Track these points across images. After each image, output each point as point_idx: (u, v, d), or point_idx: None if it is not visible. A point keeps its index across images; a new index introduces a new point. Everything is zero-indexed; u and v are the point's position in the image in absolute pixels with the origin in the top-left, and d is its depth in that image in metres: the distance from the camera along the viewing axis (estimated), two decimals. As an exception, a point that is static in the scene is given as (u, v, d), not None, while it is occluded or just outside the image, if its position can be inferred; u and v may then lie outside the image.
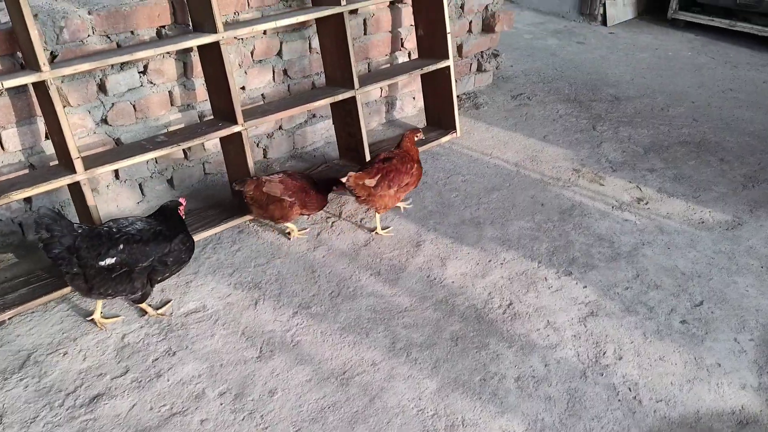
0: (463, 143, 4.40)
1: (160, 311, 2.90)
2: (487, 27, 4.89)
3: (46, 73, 2.73)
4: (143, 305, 2.86)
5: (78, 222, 2.78)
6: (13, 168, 3.17)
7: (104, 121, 3.39)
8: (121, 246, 2.64)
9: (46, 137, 3.18)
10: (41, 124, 3.16)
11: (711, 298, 3.00)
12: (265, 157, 4.15)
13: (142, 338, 2.78)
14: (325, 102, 3.69)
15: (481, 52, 5.04)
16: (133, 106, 3.45)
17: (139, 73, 3.41)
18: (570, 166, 4.10)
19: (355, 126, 3.85)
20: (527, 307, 2.96)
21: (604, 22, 6.86)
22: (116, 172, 3.53)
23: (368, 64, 4.38)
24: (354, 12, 4.11)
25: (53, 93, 2.77)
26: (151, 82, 3.47)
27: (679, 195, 3.79)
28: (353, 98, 3.77)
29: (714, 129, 4.59)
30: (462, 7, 4.68)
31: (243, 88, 3.84)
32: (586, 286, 3.08)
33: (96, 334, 2.78)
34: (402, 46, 4.50)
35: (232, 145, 3.47)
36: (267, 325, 2.85)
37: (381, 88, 4.47)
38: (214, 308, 2.96)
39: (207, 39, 3.15)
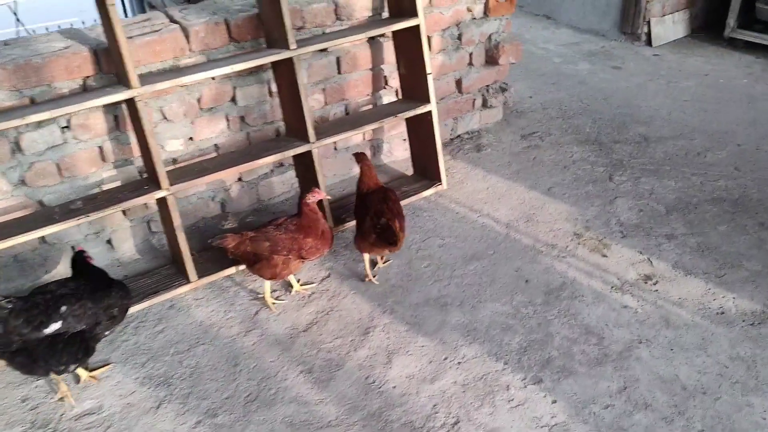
0: (453, 195, 3.84)
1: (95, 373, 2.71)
2: (491, 59, 4.29)
3: None
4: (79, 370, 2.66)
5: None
6: None
7: (23, 182, 3.06)
8: (64, 308, 2.43)
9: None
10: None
11: (714, 427, 2.33)
12: (223, 211, 3.73)
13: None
14: (273, 159, 3.23)
15: (486, 86, 4.44)
16: (57, 165, 3.11)
17: (62, 128, 3.05)
18: (571, 229, 3.46)
19: (315, 181, 3.37)
20: (476, 429, 2.39)
21: (648, 42, 6.07)
22: (42, 237, 3.19)
23: (345, 106, 3.88)
24: (323, 51, 3.63)
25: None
26: (76, 138, 3.11)
27: (698, 272, 3.09)
28: (309, 152, 3.30)
29: (759, 182, 3.81)
30: (459, 37, 4.12)
31: (191, 138, 3.43)
32: (555, 401, 2.47)
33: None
34: (386, 84, 3.98)
35: (162, 208, 3.07)
36: (159, 439, 2.42)
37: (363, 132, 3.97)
38: (110, 410, 2.55)
39: (121, 95, 2.76)
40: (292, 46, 3.06)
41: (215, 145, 3.52)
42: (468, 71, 4.28)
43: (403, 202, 3.64)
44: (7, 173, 3.00)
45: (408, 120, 3.85)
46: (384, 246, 3.00)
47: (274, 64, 3.30)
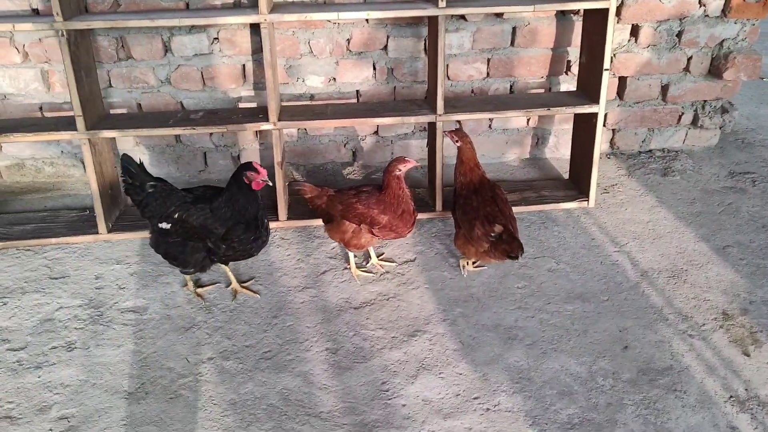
0: (599, 217, 3.23)
1: (205, 289, 2.77)
2: (715, 70, 3.44)
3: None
4: (188, 280, 2.74)
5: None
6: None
7: (168, 81, 3.23)
8: (177, 215, 2.50)
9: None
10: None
11: None
12: (354, 159, 3.59)
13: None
14: (388, 121, 2.96)
15: (702, 101, 3.60)
16: (201, 72, 3.21)
17: (212, 39, 3.13)
18: (722, 306, 2.69)
19: (432, 158, 3.05)
20: (459, 494, 2.01)
21: None
22: (177, 137, 3.37)
23: (511, 84, 3.43)
24: (499, 16, 3.20)
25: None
26: (222, 52, 3.17)
27: None
28: (433, 125, 2.97)
29: None
30: (679, 35, 3.35)
31: (334, 79, 3.31)
32: (571, 507, 1.98)
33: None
34: (568, 70, 3.42)
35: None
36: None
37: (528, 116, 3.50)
38: (150, 315, 2.64)
39: (247, 18, 2.70)
40: (441, 3, 2.71)
41: (357, 91, 3.36)
42: (680, 78, 3.50)
43: (536, 208, 3.18)
44: (156, 69, 3.18)
45: (576, 117, 3.28)
46: (502, 258, 2.61)
47: (430, 20, 2.99)
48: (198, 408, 2.26)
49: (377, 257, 2.93)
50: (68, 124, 2.81)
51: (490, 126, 3.56)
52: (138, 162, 2.56)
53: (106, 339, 2.55)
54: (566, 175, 3.53)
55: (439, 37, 2.77)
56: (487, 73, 3.38)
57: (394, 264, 2.93)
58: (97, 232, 2.98)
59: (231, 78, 3.22)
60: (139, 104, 3.25)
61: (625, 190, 3.44)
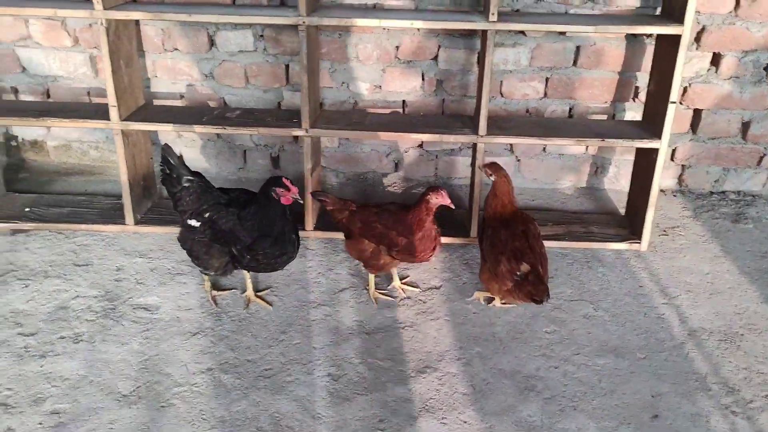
0: (652, 263, 2.93)
1: (221, 293, 2.69)
2: (809, 110, 3.06)
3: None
4: (206, 280, 2.66)
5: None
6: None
7: (212, 76, 3.17)
8: (208, 214, 2.45)
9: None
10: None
11: None
12: (396, 171, 3.43)
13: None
14: (425, 137, 2.80)
15: (789, 143, 3.22)
16: (244, 69, 3.14)
17: (257, 36, 3.04)
18: (780, 381, 2.38)
19: (473, 180, 2.86)
20: None
21: None
22: (217, 134, 3.32)
23: (570, 107, 3.17)
24: (562, 33, 2.95)
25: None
26: (267, 51, 3.08)
27: None
28: (474, 145, 2.77)
29: None
30: (767, 68, 2.99)
31: (379, 86, 3.16)
32: None
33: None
34: (636, 96, 3.12)
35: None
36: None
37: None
38: (160, 315, 2.60)
39: (284, 20, 2.58)
40: (492, 17, 2.50)
41: (403, 101, 3.20)
42: (765, 116, 3.13)
43: (582, 245, 2.93)
44: (200, 63, 3.13)
45: (638, 149, 2.99)
46: (525, 300, 2.42)
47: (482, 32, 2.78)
48: (187, 421, 2.17)
49: (400, 280, 2.77)
50: (106, 112, 2.80)
51: (544, 149, 3.32)
52: (178, 154, 2.51)
53: (113, 335, 2.52)
54: (623, 211, 3.24)
55: (487, 52, 2.57)
56: (545, 93, 3.14)
57: (416, 290, 2.76)
58: (125, 223, 2.97)
59: (274, 77, 3.13)
60: (182, 96, 3.22)
61: (687, 233, 3.13)
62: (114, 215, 3.03)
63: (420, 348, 2.48)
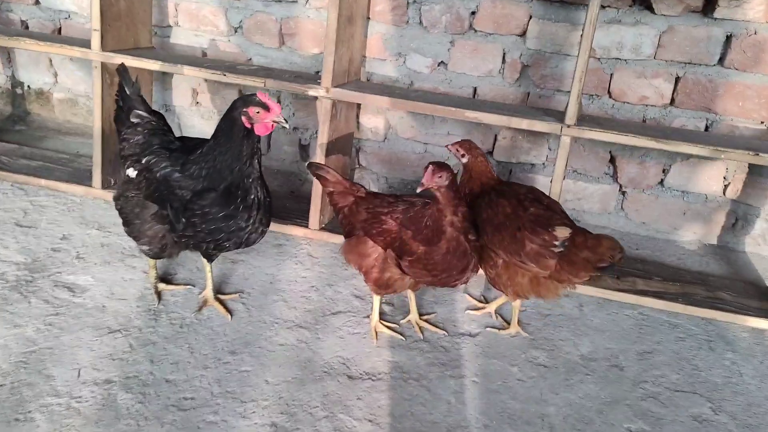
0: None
1: (168, 287, 1.95)
2: None
3: None
4: (150, 267, 1.94)
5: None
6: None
7: (240, 30, 2.55)
8: (145, 159, 1.76)
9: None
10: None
11: None
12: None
13: None
14: (492, 119, 1.95)
15: None
16: (279, 25, 2.49)
17: (299, -18, 2.41)
18: None
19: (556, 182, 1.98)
20: None
21: None
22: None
23: (709, 122, 2.25)
24: (707, 13, 2.08)
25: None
26: (309, 4, 2.43)
27: None
28: (555, 137, 1.92)
29: None
30: None
31: (444, 63, 2.39)
32: None
33: None
34: (810, 119, 2.16)
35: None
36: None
37: (724, 176, 2.29)
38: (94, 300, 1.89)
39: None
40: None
41: (474, 89, 2.41)
42: None
43: (704, 312, 2.00)
44: (229, 12, 2.53)
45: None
46: (585, 275, 1.63)
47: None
48: (38, 449, 1.41)
49: (420, 315, 1.91)
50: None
51: (661, 182, 2.39)
52: (134, 80, 1.85)
53: (9, 312, 1.82)
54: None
55: (588, 23, 1.75)
56: (672, 99, 2.25)
57: (441, 332, 1.88)
58: (91, 185, 2.33)
59: (314, 39, 2.46)
60: (204, 53, 2.62)
61: None
62: (85, 177, 2.41)
63: (421, 416, 1.58)
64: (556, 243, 1.62)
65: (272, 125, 1.58)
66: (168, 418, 1.52)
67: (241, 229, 1.66)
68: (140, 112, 1.80)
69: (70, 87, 2.91)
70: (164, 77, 2.72)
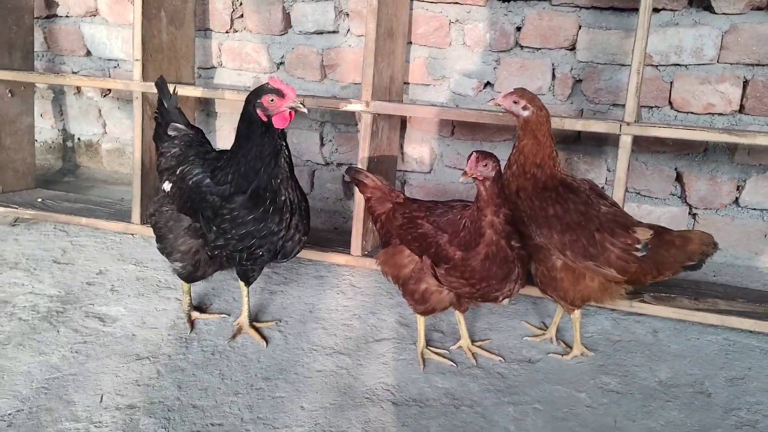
0: None
1: (202, 315, 1.85)
2: None
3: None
4: (184, 292, 1.85)
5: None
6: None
7: (283, 64, 2.53)
8: (179, 169, 1.70)
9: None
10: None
11: None
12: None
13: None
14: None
15: None
16: (321, 56, 2.46)
17: (338, 12, 2.38)
18: None
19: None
20: None
21: None
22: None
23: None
24: (774, 6, 1.93)
25: None
26: (350, 31, 2.39)
27: None
28: (615, 139, 1.75)
29: None
30: None
31: (489, 84, 2.29)
32: None
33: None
34: None
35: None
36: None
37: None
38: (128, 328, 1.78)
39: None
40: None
41: (523, 109, 2.28)
42: None
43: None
44: (272, 47, 2.52)
45: None
46: (674, 271, 1.54)
47: None
48: (45, 478, 1.27)
49: (472, 342, 1.72)
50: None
51: (736, 201, 2.17)
52: (173, 92, 1.82)
53: (36, 341, 1.73)
54: None
55: (641, 24, 1.63)
56: (741, 106, 2.06)
57: (497, 359, 1.68)
58: (130, 221, 2.28)
59: (355, 68, 2.41)
60: (248, 89, 2.60)
61: None
62: (125, 216, 2.36)
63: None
64: (639, 246, 1.44)
65: (290, 114, 1.48)
66: (191, 445, 1.37)
67: (274, 233, 1.54)
68: (178, 125, 1.76)
69: (118, 136, 2.94)
70: (208, 119, 2.72)
